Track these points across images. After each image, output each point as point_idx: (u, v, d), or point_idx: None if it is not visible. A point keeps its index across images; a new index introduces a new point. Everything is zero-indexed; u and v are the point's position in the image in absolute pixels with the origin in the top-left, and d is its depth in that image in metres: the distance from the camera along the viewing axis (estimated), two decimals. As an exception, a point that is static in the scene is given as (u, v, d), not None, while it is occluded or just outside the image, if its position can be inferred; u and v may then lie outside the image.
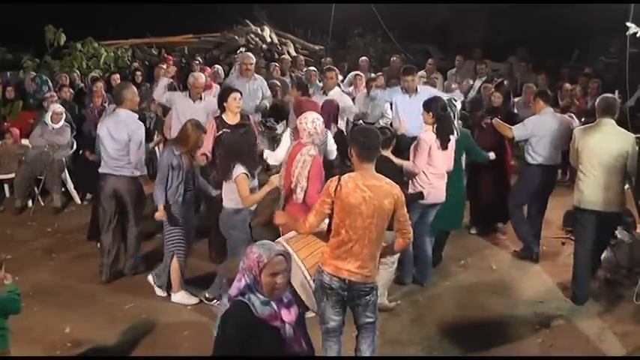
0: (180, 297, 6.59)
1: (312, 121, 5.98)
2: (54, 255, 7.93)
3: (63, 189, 9.76)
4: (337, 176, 4.67)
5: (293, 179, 5.83)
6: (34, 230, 8.84)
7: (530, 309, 6.60)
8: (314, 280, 4.81)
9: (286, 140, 6.80)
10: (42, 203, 9.70)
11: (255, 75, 9.56)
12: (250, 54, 9.79)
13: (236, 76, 9.68)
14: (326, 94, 8.93)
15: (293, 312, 3.46)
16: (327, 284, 4.64)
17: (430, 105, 6.65)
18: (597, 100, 6.98)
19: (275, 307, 3.38)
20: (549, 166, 7.70)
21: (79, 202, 9.84)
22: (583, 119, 11.16)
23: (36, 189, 9.63)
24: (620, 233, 7.56)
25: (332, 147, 6.78)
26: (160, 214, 6.32)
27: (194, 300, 6.58)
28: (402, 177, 6.41)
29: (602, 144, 6.47)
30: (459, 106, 7.58)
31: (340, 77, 11.07)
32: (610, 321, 6.34)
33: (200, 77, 8.53)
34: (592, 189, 6.48)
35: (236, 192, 5.97)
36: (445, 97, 7.47)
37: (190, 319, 6.30)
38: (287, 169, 5.98)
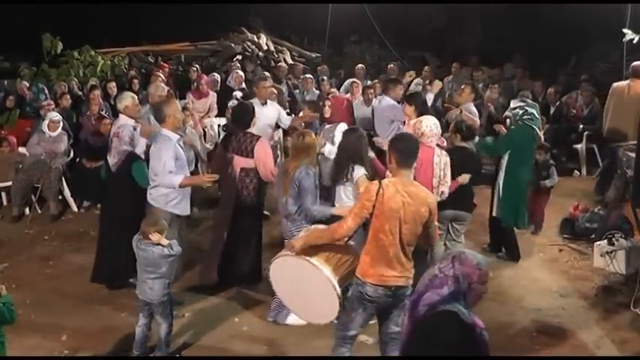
0: (295, 318, 6.10)
1: (426, 125, 6.42)
2: (51, 262, 7.91)
3: (60, 197, 9.73)
4: (377, 180, 4.70)
5: (435, 180, 6.28)
6: (31, 238, 8.81)
7: (527, 316, 6.60)
8: (343, 288, 4.77)
9: None
10: (39, 211, 9.67)
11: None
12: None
13: None
14: (264, 104, 8.39)
15: None
16: (370, 296, 4.61)
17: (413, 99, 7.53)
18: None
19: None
20: None
21: (75, 209, 9.79)
22: (582, 126, 11.31)
23: (33, 197, 9.61)
24: (617, 241, 7.57)
25: None
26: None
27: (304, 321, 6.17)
28: (479, 167, 7.20)
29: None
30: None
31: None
32: (608, 329, 6.33)
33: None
34: None
35: (349, 194, 6.06)
36: (516, 104, 7.75)
37: (186, 328, 6.27)
38: (421, 171, 6.16)
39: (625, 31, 8.01)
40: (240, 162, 6.94)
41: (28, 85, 12.09)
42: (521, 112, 7.67)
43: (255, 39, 16.41)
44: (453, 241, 7.07)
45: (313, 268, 4.76)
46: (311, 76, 12.56)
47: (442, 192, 6.34)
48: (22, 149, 9.95)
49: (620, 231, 7.81)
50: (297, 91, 12.41)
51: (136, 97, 8.04)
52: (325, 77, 12.90)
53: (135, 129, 7.01)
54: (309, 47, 17.62)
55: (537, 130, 7.74)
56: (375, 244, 4.58)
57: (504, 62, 15.23)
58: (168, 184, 6.26)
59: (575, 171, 11.39)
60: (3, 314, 4.54)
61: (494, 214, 7.86)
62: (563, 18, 14.29)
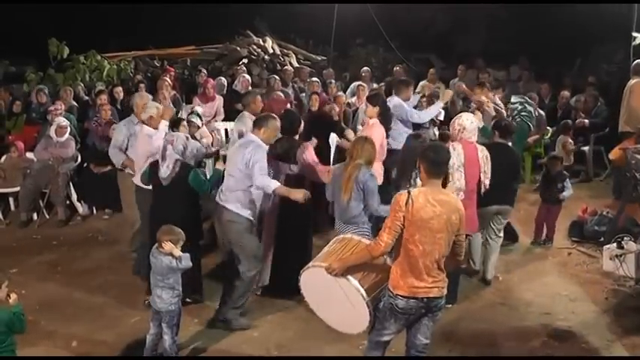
0: None
1: (466, 119, 6.72)
2: (59, 268, 7.92)
3: (67, 202, 9.75)
4: (406, 190, 4.65)
5: (483, 174, 6.58)
6: (40, 243, 8.82)
7: (537, 320, 6.59)
8: (377, 300, 4.78)
9: None
10: (47, 216, 9.68)
11: None
12: None
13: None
14: None
15: None
16: (401, 309, 4.60)
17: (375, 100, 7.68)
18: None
19: None
20: None
21: (80, 210, 9.83)
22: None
23: (41, 202, 9.62)
24: (626, 244, 7.55)
25: None
26: None
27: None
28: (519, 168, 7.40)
29: None
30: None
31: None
32: (618, 333, 6.31)
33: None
34: None
35: None
36: (516, 99, 7.87)
37: (197, 334, 6.28)
38: (469, 170, 6.46)
39: (634, 34, 8.01)
40: (284, 168, 6.81)
41: (37, 89, 12.04)
42: (520, 107, 7.81)
43: (261, 42, 16.38)
44: (494, 236, 7.36)
45: (342, 278, 4.77)
46: (317, 80, 12.54)
47: (485, 184, 6.64)
48: (29, 154, 9.96)
49: (629, 234, 7.79)
50: (304, 94, 12.39)
51: (160, 105, 7.67)
52: (332, 80, 12.89)
53: (188, 138, 6.70)
54: (315, 50, 17.58)
55: (531, 126, 7.92)
56: (405, 254, 4.56)
57: (510, 64, 15.22)
58: (264, 185, 6.14)
59: (582, 173, 11.38)
60: (14, 324, 4.57)
61: None
62: (567, 19, 14.27)
